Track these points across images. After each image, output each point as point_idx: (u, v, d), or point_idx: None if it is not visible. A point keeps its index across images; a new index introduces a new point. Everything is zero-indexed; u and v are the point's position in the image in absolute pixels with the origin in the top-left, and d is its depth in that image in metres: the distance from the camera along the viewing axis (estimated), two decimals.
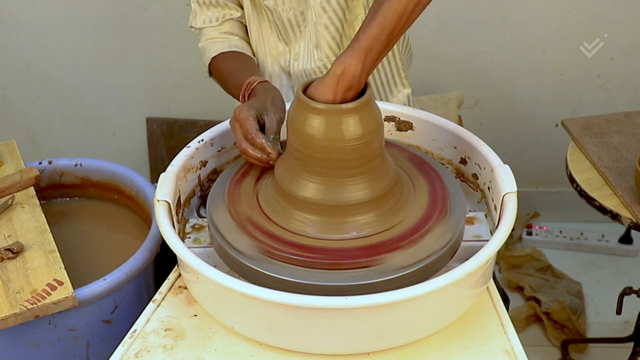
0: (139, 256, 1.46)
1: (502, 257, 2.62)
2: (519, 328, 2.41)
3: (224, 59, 1.59)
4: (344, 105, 1.18)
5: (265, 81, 1.45)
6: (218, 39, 1.63)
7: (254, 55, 1.66)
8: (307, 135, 1.20)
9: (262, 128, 1.34)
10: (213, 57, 1.61)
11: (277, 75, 1.66)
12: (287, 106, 1.38)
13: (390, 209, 1.25)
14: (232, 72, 1.55)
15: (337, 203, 1.22)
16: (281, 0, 1.54)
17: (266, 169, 1.35)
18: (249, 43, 1.67)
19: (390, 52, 1.64)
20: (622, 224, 1.62)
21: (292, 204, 1.25)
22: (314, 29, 1.54)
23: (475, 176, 1.41)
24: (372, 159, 1.23)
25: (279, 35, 1.62)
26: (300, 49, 1.60)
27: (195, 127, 2.67)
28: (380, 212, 1.24)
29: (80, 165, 1.71)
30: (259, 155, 1.30)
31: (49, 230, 1.48)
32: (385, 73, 1.66)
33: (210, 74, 1.66)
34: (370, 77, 1.63)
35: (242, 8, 1.65)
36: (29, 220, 1.51)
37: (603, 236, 2.70)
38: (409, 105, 1.68)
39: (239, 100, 1.49)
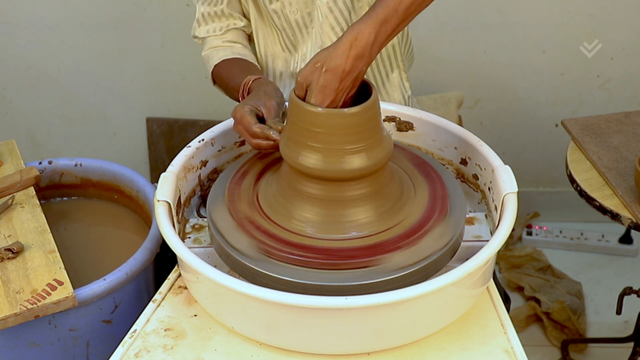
0: (139, 256, 1.46)
1: (502, 257, 2.62)
2: (519, 328, 2.41)
3: (225, 66, 1.60)
4: (346, 110, 1.18)
5: (260, 78, 1.46)
6: (221, 47, 1.63)
7: (262, 61, 1.66)
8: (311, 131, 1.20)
9: (262, 120, 1.34)
10: (215, 65, 1.61)
11: (288, 77, 1.67)
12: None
13: (390, 208, 1.25)
14: (232, 75, 1.56)
15: (337, 174, 1.21)
16: (288, 2, 1.55)
17: (266, 168, 1.35)
18: (251, 51, 1.67)
19: (392, 54, 1.65)
20: (622, 224, 1.62)
21: (292, 199, 1.25)
22: (320, 29, 1.55)
23: (475, 177, 1.41)
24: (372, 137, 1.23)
25: (284, 45, 1.62)
26: (307, 50, 1.60)
27: (195, 127, 2.67)
28: (380, 212, 1.24)
29: (80, 165, 1.71)
30: (270, 144, 1.31)
31: (49, 230, 1.48)
32: (387, 74, 1.67)
33: (214, 82, 1.66)
34: (371, 78, 1.64)
35: (245, 17, 1.65)
36: (29, 220, 1.51)
37: (603, 236, 2.70)
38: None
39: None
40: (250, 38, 1.68)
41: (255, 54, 1.68)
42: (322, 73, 1.18)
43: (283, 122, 1.31)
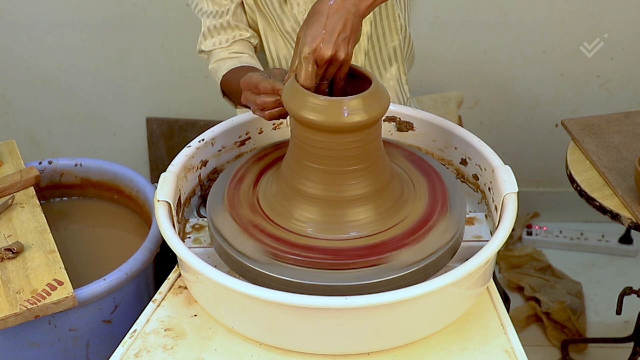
0: (139, 256, 1.46)
1: (502, 257, 2.62)
2: (519, 328, 2.41)
3: (234, 73, 1.57)
4: (346, 99, 1.17)
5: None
6: (228, 59, 1.61)
7: (275, 65, 1.66)
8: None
9: None
10: (224, 75, 1.59)
11: None
12: None
13: (390, 208, 1.25)
14: (240, 78, 1.54)
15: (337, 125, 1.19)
16: (296, 3, 1.55)
17: (266, 168, 1.35)
18: (258, 62, 1.66)
19: (393, 54, 1.64)
20: (622, 224, 1.62)
21: (293, 199, 1.24)
22: None
23: (475, 177, 1.41)
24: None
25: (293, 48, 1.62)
26: None
27: (195, 127, 2.67)
28: (380, 211, 1.24)
29: (80, 165, 1.71)
30: (277, 99, 1.27)
31: (49, 230, 1.48)
32: (386, 73, 1.66)
33: (224, 94, 1.64)
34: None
35: (251, 28, 1.64)
36: (29, 220, 1.51)
37: (603, 236, 2.70)
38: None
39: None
40: (256, 49, 1.67)
41: (263, 63, 1.67)
42: (311, 16, 1.21)
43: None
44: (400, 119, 1.50)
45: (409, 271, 1.17)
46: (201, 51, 1.67)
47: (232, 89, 1.59)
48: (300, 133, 1.22)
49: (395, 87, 1.69)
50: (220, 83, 1.61)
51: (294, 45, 1.60)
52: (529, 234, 2.72)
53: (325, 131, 1.18)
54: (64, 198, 1.74)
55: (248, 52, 1.64)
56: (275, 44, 1.64)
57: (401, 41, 1.64)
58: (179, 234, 1.28)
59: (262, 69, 1.61)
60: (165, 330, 1.22)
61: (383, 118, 1.44)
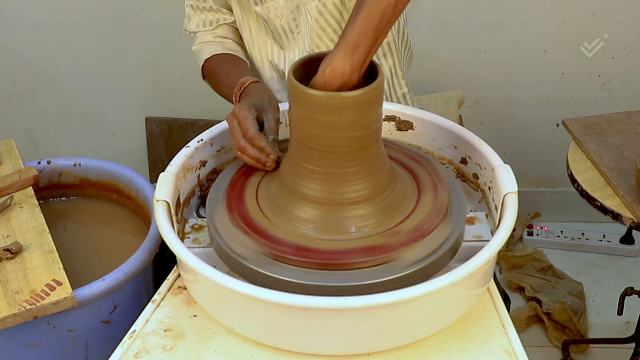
0: (138, 256, 1.45)
1: (503, 257, 2.62)
2: (520, 328, 2.41)
3: (216, 61, 1.59)
4: (344, 94, 1.16)
5: (257, 81, 1.45)
6: (211, 42, 1.63)
7: (249, 60, 1.66)
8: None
9: (260, 128, 1.34)
10: (206, 59, 1.61)
11: (275, 82, 1.66)
12: (281, 107, 1.40)
13: (391, 208, 1.25)
14: (224, 72, 1.55)
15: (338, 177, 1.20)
16: (273, 7, 1.54)
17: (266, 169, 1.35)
18: (242, 47, 1.66)
19: (388, 51, 1.64)
20: (624, 224, 1.62)
21: (292, 200, 1.24)
22: (311, 32, 1.53)
23: (475, 176, 1.41)
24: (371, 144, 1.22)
25: (274, 39, 1.61)
26: (294, 55, 1.59)
27: (195, 127, 2.67)
28: (381, 212, 1.23)
29: (79, 165, 1.71)
30: (258, 155, 1.30)
31: (48, 231, 1.48)
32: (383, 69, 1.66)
33: (204, 77, 1.65)
34: None
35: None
36: (27, 220, 1.51)
37: (604, 236, 2.70)
38: (406, 104, 1.68)
39: (229, 101, 1.49)
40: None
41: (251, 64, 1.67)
42: None
43: (277, 149, 1.31)
44: (399, 118, 1.49)
45: (409, 271, 1.16)
46: (186, 30, 1.69)
47: (214, 77, 1.60)
48: (299, 115, 1.20)
49: (389, 80, 1.68)
50: (202, 66, 1.62)
51: (275, 39, 1.60)
52: (530, 234, 2.72)
53: (324, 113, 1.17)
54: (62, 198, 1.74)
55: (232, 38, 1.65)
56: (252, 42, 1.64)
57: (395, 37, 1.62)
58: (178, 234, 1.28)
59: (244, 58, 1.61)
60: (164, 330, 1.21)
61: (383, 118, 1.44)
